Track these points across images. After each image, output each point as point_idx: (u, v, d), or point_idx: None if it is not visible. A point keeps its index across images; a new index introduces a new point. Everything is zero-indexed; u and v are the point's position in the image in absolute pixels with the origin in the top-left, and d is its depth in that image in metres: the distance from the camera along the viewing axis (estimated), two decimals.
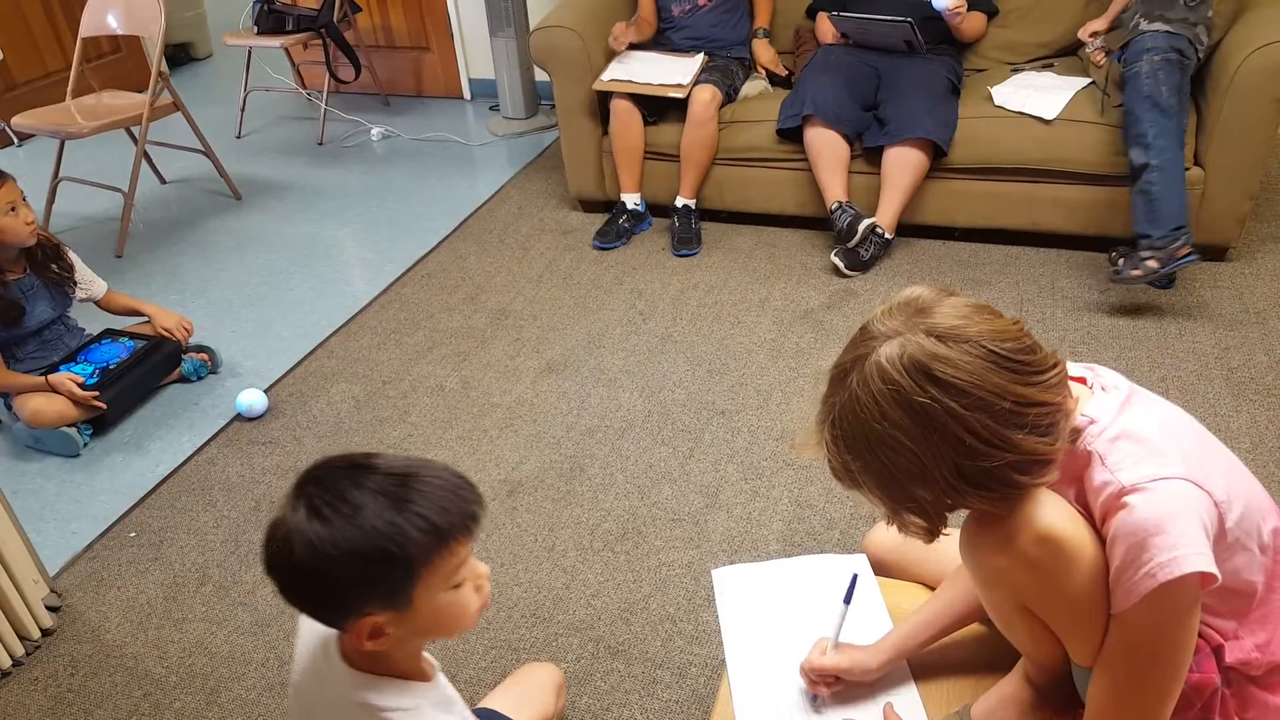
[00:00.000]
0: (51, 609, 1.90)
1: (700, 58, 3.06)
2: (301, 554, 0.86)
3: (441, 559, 0.89)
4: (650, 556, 1.93)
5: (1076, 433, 0.95)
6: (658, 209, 3.20)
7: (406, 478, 0.89)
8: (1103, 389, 0.98)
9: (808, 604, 1.34)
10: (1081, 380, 1.00)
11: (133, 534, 2.11)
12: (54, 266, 2.45)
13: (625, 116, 3.03)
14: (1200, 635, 0.96)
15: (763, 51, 3.18)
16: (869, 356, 0.90)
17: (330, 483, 0.88)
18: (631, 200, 3.15)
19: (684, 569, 1.90)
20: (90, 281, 2.55)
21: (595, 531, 2.01)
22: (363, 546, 0.85)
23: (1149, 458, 0.91)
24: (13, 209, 2.28)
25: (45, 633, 1.86)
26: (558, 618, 1.82)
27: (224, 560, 2.02)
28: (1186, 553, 0.86)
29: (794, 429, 2.23)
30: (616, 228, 3.13)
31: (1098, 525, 0.94)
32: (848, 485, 0.96)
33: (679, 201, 3.07)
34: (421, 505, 0.87)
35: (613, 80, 3.01)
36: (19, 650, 1.81)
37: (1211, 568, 0.86)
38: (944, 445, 0.88)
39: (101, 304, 2.59)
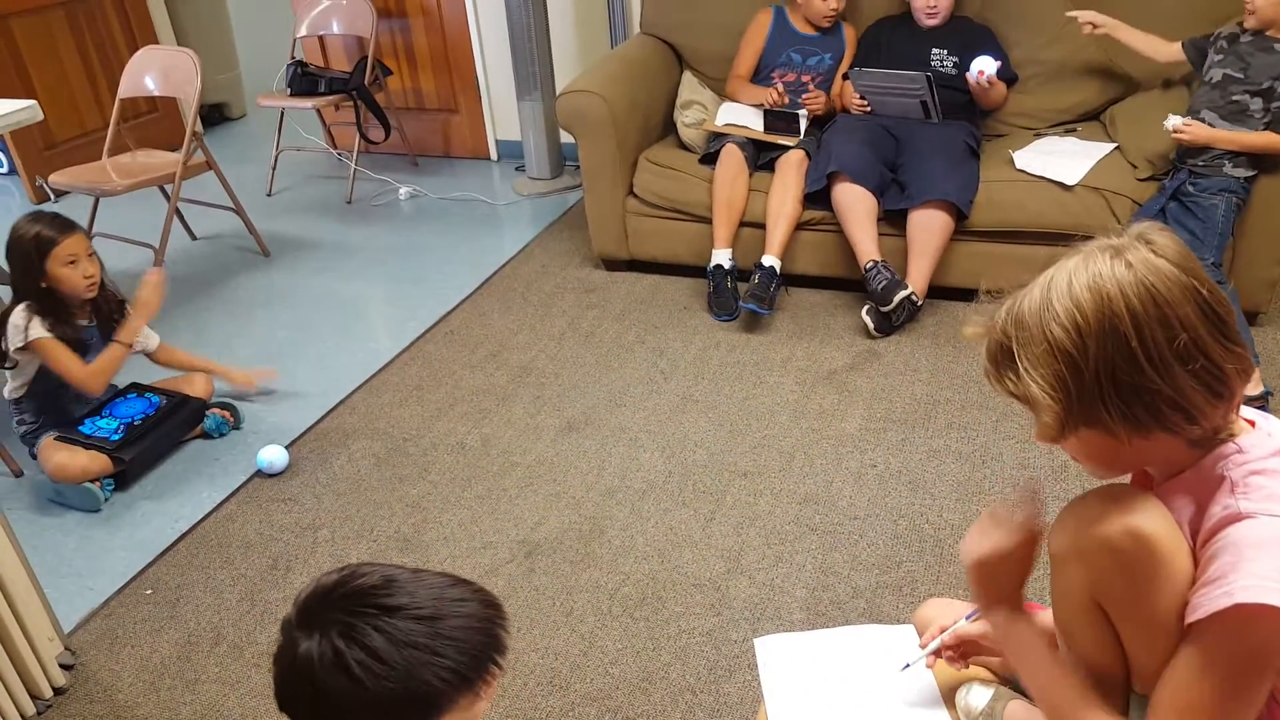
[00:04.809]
0: (65, 667, 1.88)
1: (804, 114, 3.07)
2: (322, 707, 0.87)
3: (467, 699, 0.91)
4: (670, 623, 1.89)
5: (1222, 456, 0.94)
6: (692, 270, 3.22)
7: (433, 621, 0.89)
8: (1268, 434, 0.97)
9: (856, 675, 1.30)
10: (1250, 422, 0.99)
11: (149, 591, 2.10)
12: (116, 322, 2.50)
13: (736, 166, 2.96)
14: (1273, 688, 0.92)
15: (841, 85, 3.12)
16: (1083, 248, 0.93)
17: (354, 631, 0.87)
18: (724, 257, 2.98)
19: (704, 637, 1.86)
20: (146, 335, 2.62)
21: (614, 596, 1.97)
22: (386, 702, 0.86)
23: (1278, 497, 0.89)
24: (72, 262, 2.33)
25: (58, 691, 1.84)
26: (575, 686, 1.78)
27: (239, 620, 2.00)
28: (1274, 586, 0.83)
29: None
30: (729, 295, 2.96)
31: (1198, 548, 0.92)
32: (1002, 363, 0.96)
33: (765, 260, 2.92)
34: (450, 656, 0.88)
35: (727, 125, 3.01)
36: (30, 709, 1.78)
37: None
38: (1109, 341, 0.88)
39: (155, 357, 2.66)
